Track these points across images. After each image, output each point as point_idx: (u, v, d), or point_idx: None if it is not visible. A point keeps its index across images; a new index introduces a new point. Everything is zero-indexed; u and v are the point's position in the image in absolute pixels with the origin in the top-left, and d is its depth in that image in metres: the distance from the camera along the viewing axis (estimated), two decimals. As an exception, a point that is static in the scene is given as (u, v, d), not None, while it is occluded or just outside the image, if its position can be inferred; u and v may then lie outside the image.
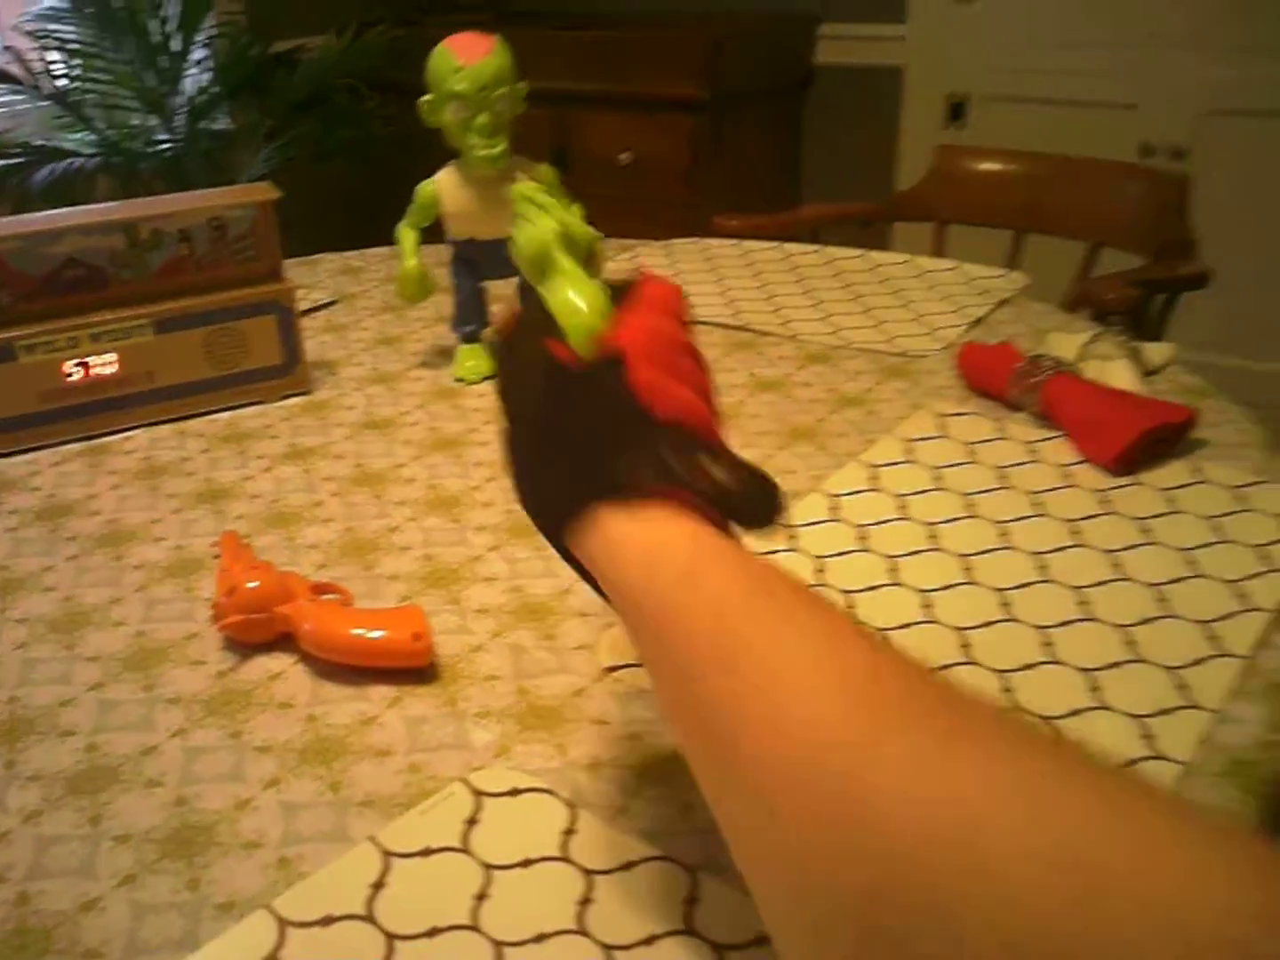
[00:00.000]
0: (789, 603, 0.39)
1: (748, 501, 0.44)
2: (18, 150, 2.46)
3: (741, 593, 0.39)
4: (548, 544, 0.50)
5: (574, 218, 0.55)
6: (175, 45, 2.61)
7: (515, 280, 1.13)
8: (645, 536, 0.43)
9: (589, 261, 0.54)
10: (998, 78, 2.73)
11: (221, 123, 2.82)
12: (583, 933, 0.50)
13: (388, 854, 0.54)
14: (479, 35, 1.02)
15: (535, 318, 0.52)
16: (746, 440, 0.97)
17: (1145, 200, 1.72)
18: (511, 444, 0.52)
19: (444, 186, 1.06)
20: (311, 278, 1.42)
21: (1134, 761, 0.59)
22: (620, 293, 0.52)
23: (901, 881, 0.29)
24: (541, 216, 0.54)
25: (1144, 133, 2.57)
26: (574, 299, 0.50)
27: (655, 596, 0.41)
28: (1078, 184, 1.80)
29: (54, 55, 2.55)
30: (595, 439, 0.46)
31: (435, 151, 1.07)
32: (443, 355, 1.17)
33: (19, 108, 2.62)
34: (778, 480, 0.45)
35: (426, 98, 1.02)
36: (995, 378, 0.99)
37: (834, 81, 2.97)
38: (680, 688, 0.40)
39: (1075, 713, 0.63)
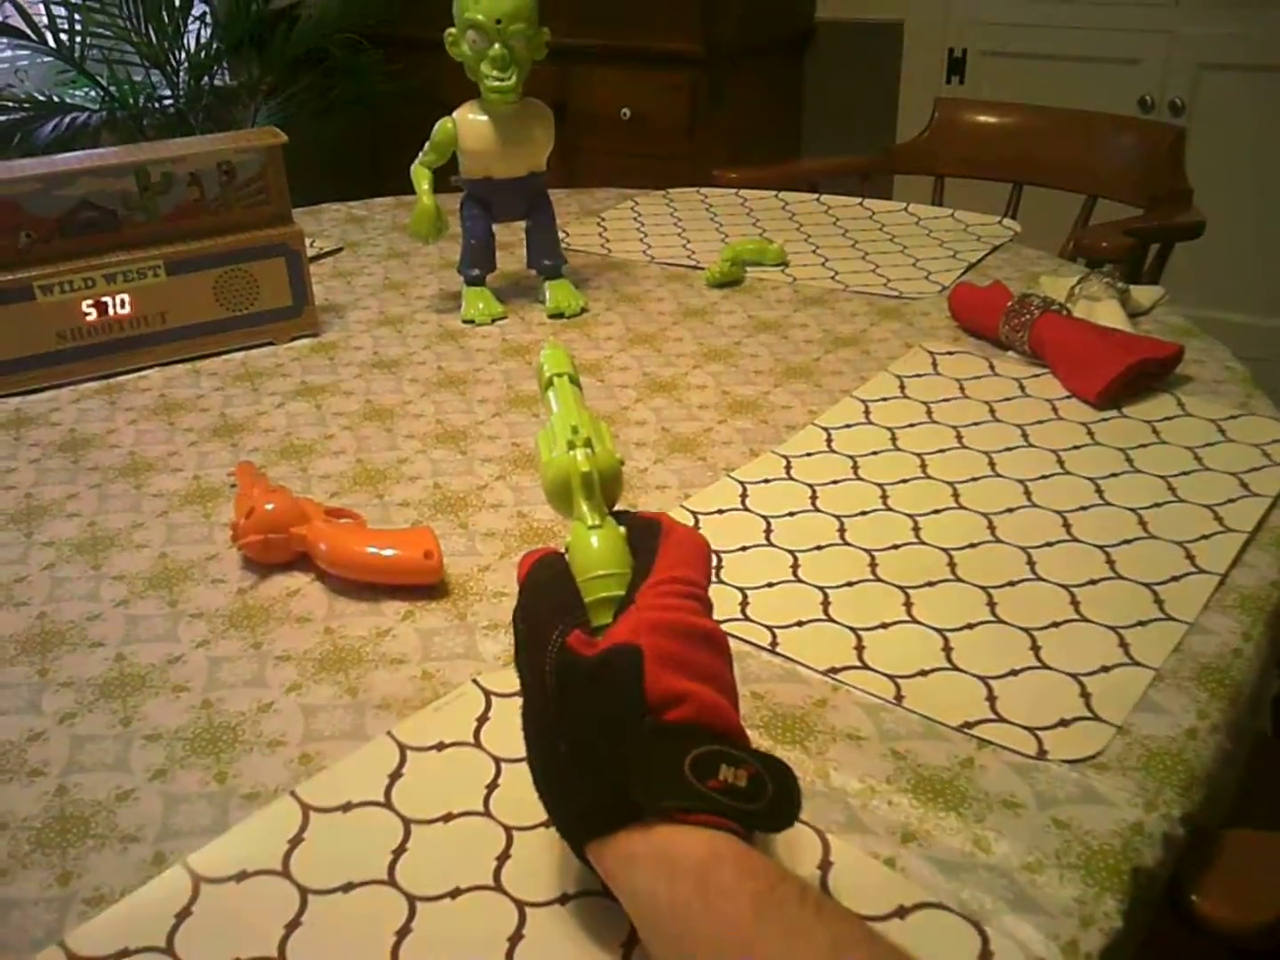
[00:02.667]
0: (799, 918, 0.39)
1: (766, 812, 0.43)
2: (22, 104, 2.47)
3: (753, 906, 0.39)
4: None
5: (603, 447, 0.52)
6: (176, 1, 2.61)
7: (523, 225, 1.16)
8: (659, 845, 0.42)
9: (610, 486, 0.52)
10: (997, 32, 2.73)
11: (223, 78, 2.82)
12: (588, 817, 0.54)
13: (404, 747, 0.58)
14: None
15: (550, 579, 0.50)
16: (744, 378, 1.00)
17: (1140, 152, 1.74)
18: (525, 717, 0.50)
19: (462, 122, 1.09)
20: (316, 226, 1.44)
21: (1109, 668, 0.63)
22: (640, 532, 0.50)
23: None
24: (562, 435, 0.52)
25: (1143, 88, 2.58)
26: (594, 555, 0.48)
27: (667, 908, 0.41)
28: (1074, 137, 1.81)
29: (57, 10, 2.55)
30: (611, 754, 0.44)
31: (436, 106, 1.10)
32: (448, 299, 1.19)
33: (22, 62, 2.63)
34: (793, 771, 0.44)
35: (450, 30, 1.04)
36: (986, 317, 1.01)
37: (834, 37, 2.97)
38: None
39: (1055, 624, 0.66)
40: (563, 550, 0.51)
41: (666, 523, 0.51)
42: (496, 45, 1.03)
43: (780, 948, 0.38)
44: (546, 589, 0.50)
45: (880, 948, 0.39)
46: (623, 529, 0.50)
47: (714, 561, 0.50)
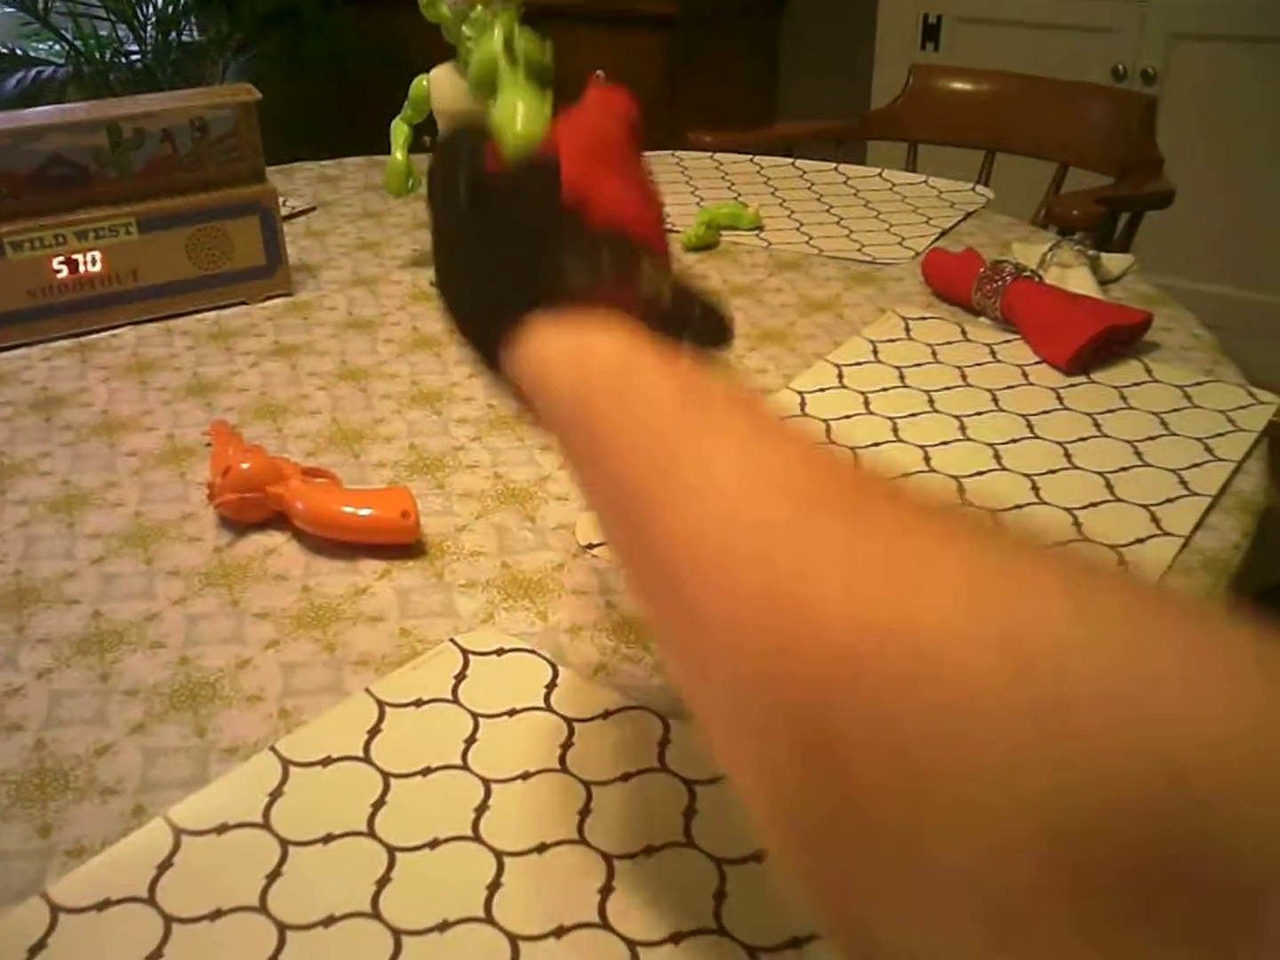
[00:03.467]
0: (723, 411, 0.36)
1: (689, 314, 0.42)
2: (-16, 58, 2.44)
3: (673, 403, 0.36)
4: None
5: (526, 34, 0.52)
6: (143, -47, 2.57)
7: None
8: (575, 348, 0.40)
9: (542, 80, 0.51)
10: (973, -1, 2.73)
11: (191, 34, 2.78)
12: (565, 771, 0.55)
13: (382, 704, 0.59)
14: None
15: (469, 128, 0.48)
16: (719, 341, 1.00)
17: (1112, 121, 1.75)
18: (439, 259, 0.48)
19: (436, 81, 1.08)
20: (288, 185, 1.43)
21: (1075, 627, 0.64)
22: (569, 103, 0.49)
23: (840, 684, 0.26)
24: (490, 32, 0.51)
25: (1116, 57, 2.59)
26: (514, 109, 0.48)
27: (582, 410, 0.38)
28: (1047, 105, 1.82)
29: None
30: (524, 245, 0.43)
31: (410, 67, 1.09)
32: (422, 260, 1.19)
33: (-16, 14, 2.58)
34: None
35: None
36: (959, 283, 1.02)
37: (810, 1, 2.96)
38: (615, 503, 0.37)
39: (1023, 585, 0.67)
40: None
41: (591, 87, 0.49)
42: (478, 8, 1.02)
43: (698, 445, 0.34)
44: (462, 133, 0.48)
45: (805, 442, 0.34)
46: (549, 98, 0.50)
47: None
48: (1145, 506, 0.74)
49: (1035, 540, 0.29)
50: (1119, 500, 0.75)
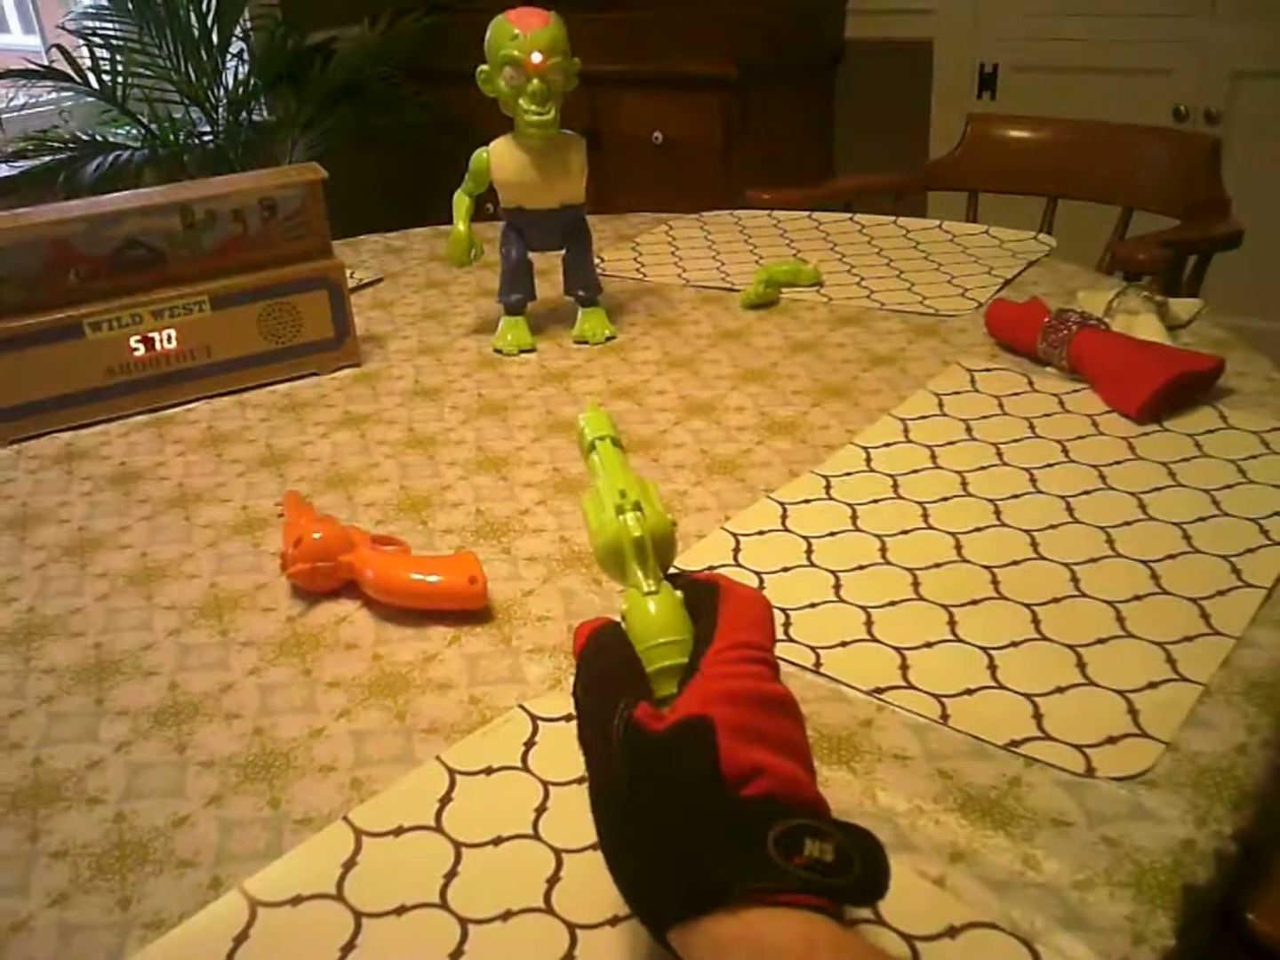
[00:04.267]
0: None
1: (855, 885, 0.41)
2: (67, 144, 2.53)
3: None
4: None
5: (652, 509, 0.50)
6: (214, 39, 2.67)
7: (561, 254, 1.17)
8: (749, 931, 0.39)
9: (663, 549, 0.50)
10: (1027, 47, 2.73)
11: (261, 113, 2.88)
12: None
13: (453, 772, 0.59)
14: (535, 9, 1.06)
15: (611, 653, 0.47)
16: (782, 399, 1.00)
17: (1175, 163, 1.73)
18: (594, 801, 0.46)
19: (496, 154, 1.10)
20: (355, 258, 1.46)
21: (1156, 684, 0.62)
22: (698, 596, 0.48)
23: None
24: (610, 500, 0.50)
25: (1176, 97, 2.57)
26: (653, 623, 0.47)
27: None
28: (1108, 149, 1.81)
29: (99, 51, 2.61)
30: (690, 835, 0.42)
31: (470, 138, 1.11)
32: (486, 327, 1.21)
33: (66, 104, 2.69)
34: (878, 838, 0.42)
35: (483, 67, 1.06)
36: (1023, 333, 1.01)
37: (865, 56, 2.98)
38: None
39: (1101, 641, 0.66)
40: (619, 619, 0.49)
41: (725, 584, 0.49)
42: (535, 80, 1.04)
43: None
44: (606, 659, 0.48)
45: None
46: (679, 593, 0.49)
47: (776, 620, 0.48)
48: (1225, 557, 0.73)
49: None
50: (1198, 551, 0.74)
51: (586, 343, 1.15)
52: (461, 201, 1.15)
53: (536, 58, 1.03)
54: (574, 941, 0.49)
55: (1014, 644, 0.66)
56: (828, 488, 0.84)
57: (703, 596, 0.48)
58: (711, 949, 0.41)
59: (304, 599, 0.75)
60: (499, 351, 1.15)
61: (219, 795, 0.59)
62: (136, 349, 1.03)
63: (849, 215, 1.49)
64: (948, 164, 1.91)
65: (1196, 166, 1.69)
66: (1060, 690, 0.62)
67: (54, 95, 2.66)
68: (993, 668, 0.64)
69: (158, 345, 1.03)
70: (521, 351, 1.14)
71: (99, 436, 1.01)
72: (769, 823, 0.40)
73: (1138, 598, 0.70)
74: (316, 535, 0.74)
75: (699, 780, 0.42)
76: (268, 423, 1.02)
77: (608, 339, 1.16)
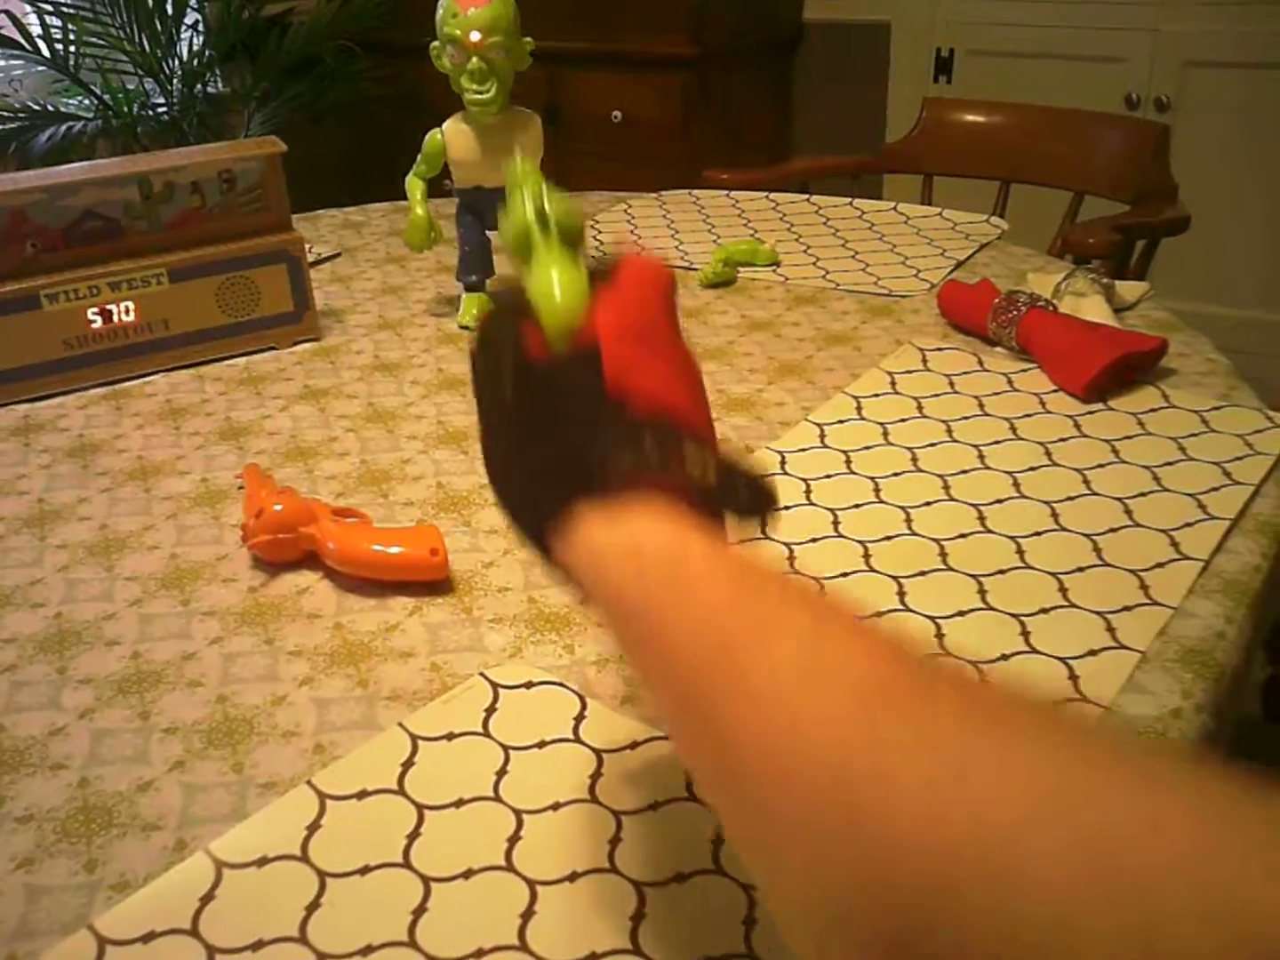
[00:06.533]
0: (777, 598, 0.37)
1: (735, 489, 0.43)
2: (18, 114, 2.49)
3: (728, 591, 0.37)
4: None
5: (556, 199, 0.52)
6: (168, 8, 2.63)
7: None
8: (626, 539, 0.41)
9: (574, 244, 0.51)
10: (984, 31, 2.76)
11: (216, 86, 2.84)
12: (595, 801, 0.56)
13: (415, 737, 0.60)
14: None
15: (508, 309, 0.48)
16: (738, 376, 1.02)
17: (1126, 150, 1.76)
18: (486, 444, 0.49)
19: (449, 134, 1.11)
20: (313, 232, 1.46)
21: (1096, 651, 0.65)
22: (605, 274, 0.48)
23: (916, 888, 0.27)
24: (521, 196, 0.51)
25: (1128, 85, 2.61)
26: (551, 284, 0.48)
27: (638, 602, 0.39)
28: (1061, 134, 1.84)
29: (50, 19, 2.57)
30: (569, 435, 0.44)
31: (430, 112, 1.11)
32: (447, 303, 1.21)
33: (16, 72, 2.64)
34: (768, 473, 0.44)
35: (434, 44, 1.06)
36: (974, 314, 1.04)
37: (823, 38, 3.00)
38: (671, 692, 0.38)
39: (1044, 610, 0.68)
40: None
41: (625, 257, 0.49)
42: (474, 59, 1.04)
43: (756, 636, 0.35)
44: (502, 316, 0.49)
45: (863, 629, 0.35)
46: (582, 263, 0.50)
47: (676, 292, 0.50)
48: (1165, 531, 0.75)
49: (1096, 732, 0.30)
50: (1138, 525, 0.76)
51: None
52: (416, 185, 1.14)
53: (475, 36, 1.03)
54: (534, 897, 0.50)
55: (961, 613, 0.68)
56: (782, 463, 0.86)
57: (608, 269, 0.49)
58: (590, 558, 0.42)
59: (265, 570, 0.76)
60: (466, 328, 1.15)
61: (182, 761, 0.60)
62: (94, 321, 1.03)
63: (806, 196, 1.51)
64: (903, 147, 1.94)
65: (1146, 153, 1.72)
66: (1005, 657, 0.65)
67: (3, 63, 2.62)
68: (940, 636, 0.67)
69: (115, 317, 1.03)
70: None
71: (56, 409, 1.01)
72: (649, 427, 0.43)
73: (1080, 569, 0.72)
74: (278, 507, 0.75)
75: (583, 396, 0.44)
76: (226, 396, 1.02)
77: None
